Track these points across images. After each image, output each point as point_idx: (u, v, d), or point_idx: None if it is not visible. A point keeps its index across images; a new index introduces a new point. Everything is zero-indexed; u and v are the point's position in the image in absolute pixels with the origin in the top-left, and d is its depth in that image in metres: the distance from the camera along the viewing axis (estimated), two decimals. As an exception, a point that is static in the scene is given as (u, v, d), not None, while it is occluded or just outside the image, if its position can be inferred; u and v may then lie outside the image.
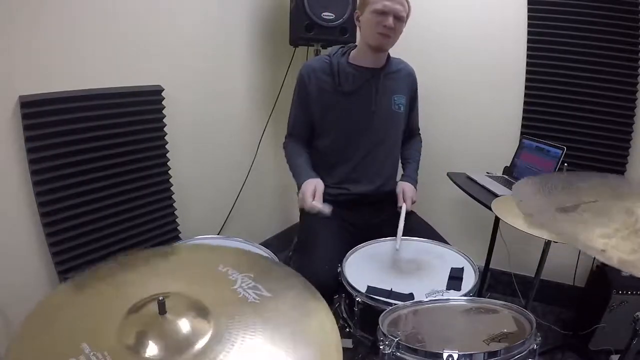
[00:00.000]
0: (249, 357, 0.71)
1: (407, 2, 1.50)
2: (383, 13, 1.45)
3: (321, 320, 0.80)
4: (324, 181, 1.54)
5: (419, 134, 1.86)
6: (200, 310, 0.79)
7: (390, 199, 1.64)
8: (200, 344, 0.72)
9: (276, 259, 1.38)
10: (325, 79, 1.56)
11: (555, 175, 1.39)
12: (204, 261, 1.00)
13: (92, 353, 0.67)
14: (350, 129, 1.58)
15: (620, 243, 0.69)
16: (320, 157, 1.64)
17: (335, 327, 0.79)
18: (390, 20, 1.45)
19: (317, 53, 2.21)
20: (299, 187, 1.51)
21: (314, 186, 1.44)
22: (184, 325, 0.76)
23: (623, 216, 0.78)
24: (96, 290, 0.87)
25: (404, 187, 1.62)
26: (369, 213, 1.62)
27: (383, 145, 1.62)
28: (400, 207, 1.53)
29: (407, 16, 1.51)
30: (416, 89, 1.71)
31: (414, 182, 1.67)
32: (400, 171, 1.76)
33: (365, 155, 1.60)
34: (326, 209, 1.37)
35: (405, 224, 1.49)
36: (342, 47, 1.64)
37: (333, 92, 1.56)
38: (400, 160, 1.76)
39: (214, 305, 0.80)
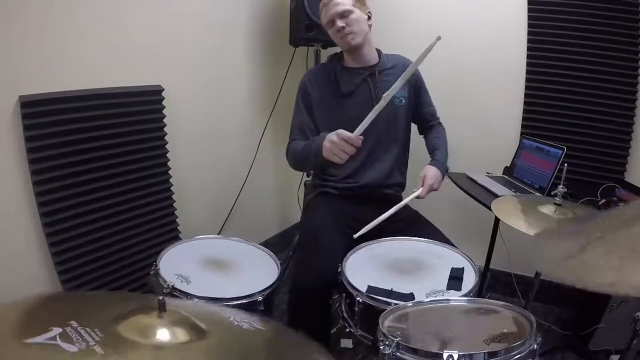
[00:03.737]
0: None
1: None
2: (330, 22, 1.56)
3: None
4: (330, 176, 1.62)
5: (439, 122, 1.82)
6: (196, 326, 0.77)
7: (393, 198, 1.65)
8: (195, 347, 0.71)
9: (276, 259, 1.38)
10: (326, 84, 1.65)
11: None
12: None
13: (79, 327, 0.63)
14: (351, 127, 1.58)
15: (630, 267, 0.62)
16: None
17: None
18: (338, 23, 1.53)
19: (317, 53, 2.21)
20: (322, 148, 1.40)
21: (338, 132, 1.37)
22: (181, 328, 0.74)
23: (631, 243, 0.70)
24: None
25: (426, 171, 1.56)
26: (371, 211, 1.62)
27: (385, 140, 1.65)
28: (414, 191, 1.50)
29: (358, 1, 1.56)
30: (418, 78, 1.72)
31: (441, 165, 1.61)
32: (404, 174, 1.76)
33: (370, 150, 1.63)
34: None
35: (412, 225, 1.50)
36: (336, 53, 1.73)
37: (333, 95, 1.64)
38: (428, 153, 1.74)
39: (209, 324, 0.78)
